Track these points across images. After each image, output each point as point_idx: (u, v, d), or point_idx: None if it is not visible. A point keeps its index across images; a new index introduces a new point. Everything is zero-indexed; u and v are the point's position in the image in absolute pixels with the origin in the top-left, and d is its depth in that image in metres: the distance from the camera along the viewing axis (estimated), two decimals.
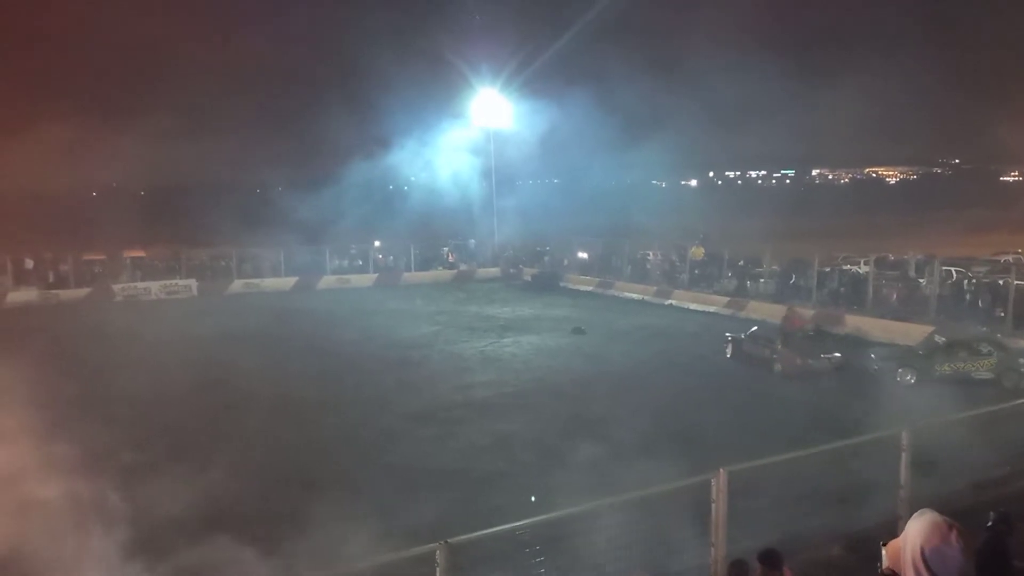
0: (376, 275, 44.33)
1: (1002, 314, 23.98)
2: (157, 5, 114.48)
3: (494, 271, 47.22)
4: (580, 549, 7.22)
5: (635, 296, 37.07)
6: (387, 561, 6.77)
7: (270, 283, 41.84)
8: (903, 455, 8.48)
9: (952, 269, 30.16)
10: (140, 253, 43.18)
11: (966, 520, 2.96)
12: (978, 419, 10.66)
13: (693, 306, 33.70)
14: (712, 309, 32.61)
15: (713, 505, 7.29)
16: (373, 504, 12.22)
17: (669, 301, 35.08)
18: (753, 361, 22.67)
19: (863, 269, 31.78)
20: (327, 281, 42.81)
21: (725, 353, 23.78)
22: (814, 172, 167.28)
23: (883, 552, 3.05)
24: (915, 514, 2.91)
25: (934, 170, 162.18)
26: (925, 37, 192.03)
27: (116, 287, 38.98)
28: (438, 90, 58.57)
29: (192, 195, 72.97)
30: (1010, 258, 36.20)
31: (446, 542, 5.83)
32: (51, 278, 38.89)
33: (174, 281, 40.29)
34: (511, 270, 46.30)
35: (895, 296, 27.96)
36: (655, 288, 36.76)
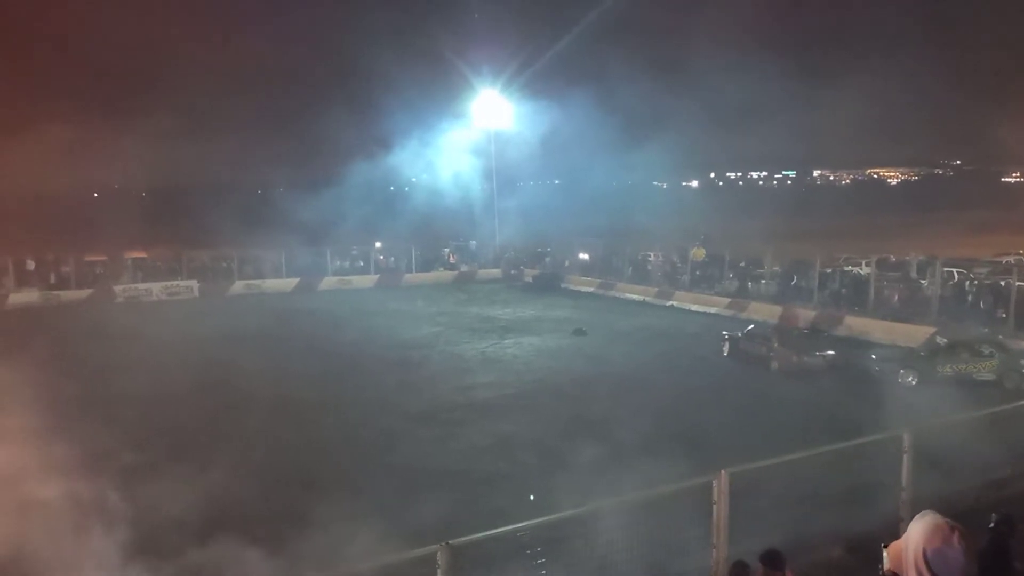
0: (377, 276, 44.35)
1: (1004, 315, 23.97)
2: (157, 5, 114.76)
3: (495, 272, 47.21)
4: (581, 551, 7.22)
5: (636, 297, 37.05)
6: (388, 562, 6.77)
7: (271, 284, 41.88)
8: (905, 456, 8.48)
9: (954, 270, 30.10)
10: (141, 254, 43.29)
11: (968, 522, 2.95)
12: (980, 421, 10.66)
13: (694, 307, 33.68)
14: (713, 310, 32.59)
15: (714, 506, 7.30)
16: (374, 505, 12.18)
17: (670, 302, 35.07)
18: (750, 359, 22.81)
19: (864, 270, 31.71)
20: (328, 282, 42.83)
21: (722, 351, 23.89)
22: (815, 173, 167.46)
23: (885, 554, 3.04)
24: (917, 516, 2.91)
25: (935, 171, 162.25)
26: (925, 37, 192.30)
27: (117, 288, 39.05)
28: (439, 91, 58.77)
29: (193, 196, 72.99)
30: (1012, 259, 35.99)
31: (447, 543, 5.83)
32: (53, 279, 39.01)
33: (175, 282, 40.38)
34: (512, 271, 46.28)
35: (897, 297, 27.94)
36: (656, 289, 36.75)
